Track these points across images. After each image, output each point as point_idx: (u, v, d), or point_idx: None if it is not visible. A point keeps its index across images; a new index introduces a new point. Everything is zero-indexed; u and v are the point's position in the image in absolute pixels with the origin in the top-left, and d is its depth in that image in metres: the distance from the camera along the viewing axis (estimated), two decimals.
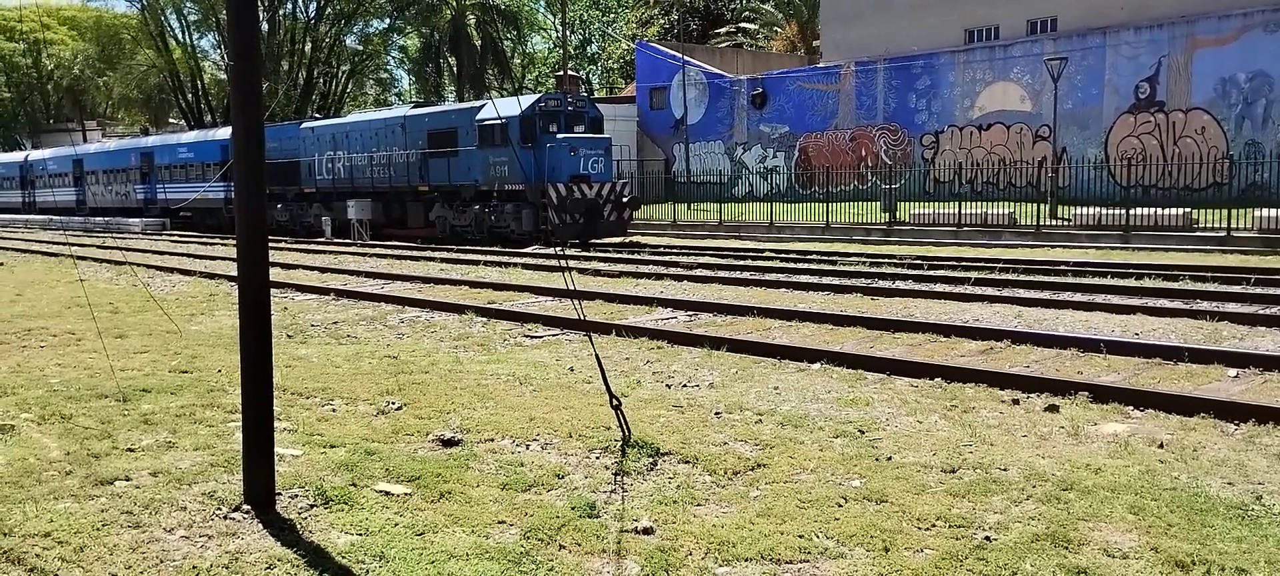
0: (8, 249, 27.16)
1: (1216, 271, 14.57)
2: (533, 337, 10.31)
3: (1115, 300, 11.96)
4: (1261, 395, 6.96)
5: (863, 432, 6.08)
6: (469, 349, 9.71)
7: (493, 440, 5.97)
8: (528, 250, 22.16)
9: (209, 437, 5.97)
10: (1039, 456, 5.56)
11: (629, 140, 40.30)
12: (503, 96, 45.61)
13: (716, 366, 8.45)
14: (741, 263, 18.35)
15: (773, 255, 19.91)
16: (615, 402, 5.76)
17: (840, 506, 4.77)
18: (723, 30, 58.44)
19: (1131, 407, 6.62)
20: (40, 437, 5.99)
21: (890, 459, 5.53)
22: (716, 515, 4.71)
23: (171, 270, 19.26)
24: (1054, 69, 25.83)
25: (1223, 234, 19.97)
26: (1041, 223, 23.01)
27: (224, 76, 56.07)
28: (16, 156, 52.88)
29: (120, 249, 23.84)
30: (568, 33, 55.30)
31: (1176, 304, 11.53)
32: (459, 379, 7.87)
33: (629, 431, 5.76)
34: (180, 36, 57.12)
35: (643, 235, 27.52)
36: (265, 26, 51.01)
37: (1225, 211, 20.41)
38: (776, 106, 37.77)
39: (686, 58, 40.64)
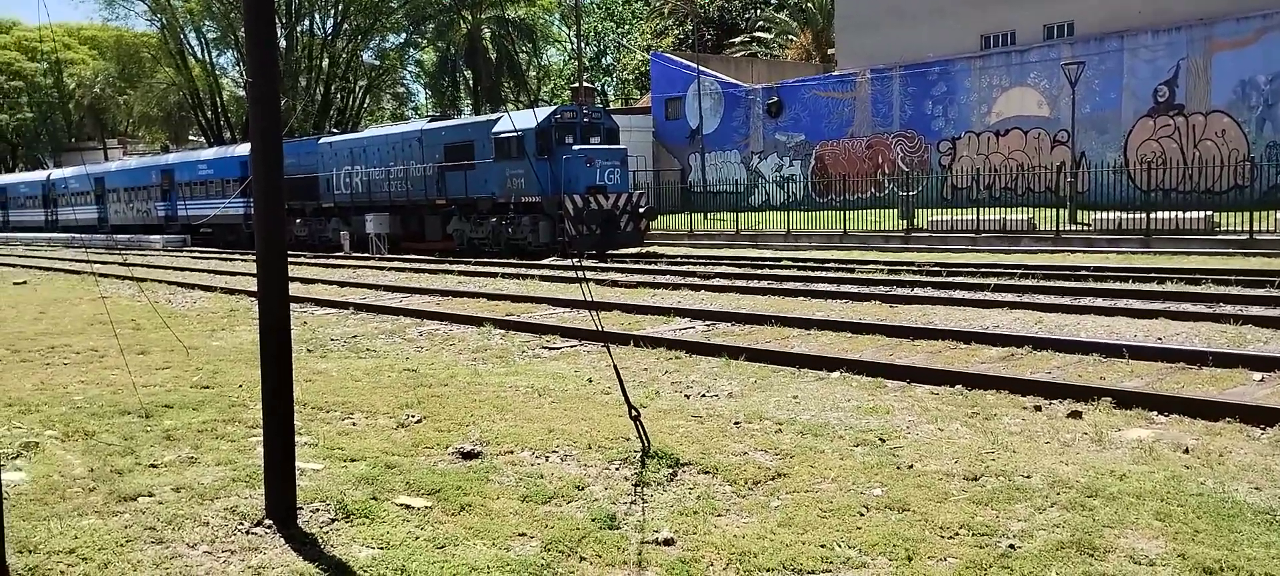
0: (31, 267, 27.44)
1: (1239, 274, 14.43)
2: (551, 349, 10.32)
3: (1137, 305, 11.86)
4: None
5: (883, 441, 6.05)
6: (487, 361, 9.72)
7: (512, 452, 5.97)
8: (545, 262, 22.20)
9: (231, 453, 6.00)
10: (1062, 463, 5.51)
11: (645, 151, 40.35)
12: (518, 109, 45.77)
13: (735, 376, 8.43)
14: (758, 271, 18.31)
15: (790, 264, 19.86)
16: (634, 413, 5.75)
17: (862, 515, 4.74)
18: (737, 40, 58.47)
19: (1156, 413, 6.55)
20: (64, 455, 6.03)
21: (911, 467, 5.49)
22: (737, 525, 4.69)
23: (192, 286, 19.39)
24: (1071, 73, 25.69)
25: (1245, 237, 19.79)
26: (1061, 228, 22.87)
27: (243, 93, 56.53)
28: (39, 175, 53.50)
29: (141, 266, 24.03)
30: (583, 45, 55.47)
31: (1199, 308, 11.43)
32: (478, 391, 7.88)
33: (648, 442, 5.74)
34: (199, 54, 57.79)
35: (659, 245, 27.53)
36: (283, 43, 51.42)
37: (1247, 214, 20.22)
38: (792, 115, 37.73)
39: (701, 68, 40.69)
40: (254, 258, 4.73)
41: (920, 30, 35.54)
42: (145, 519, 4.81)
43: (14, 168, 73.52)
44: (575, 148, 24.10)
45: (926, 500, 4.92)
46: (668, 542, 4.47)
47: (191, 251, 34.35)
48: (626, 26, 70.21)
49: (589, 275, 17.99)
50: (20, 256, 33.81)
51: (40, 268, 27.09)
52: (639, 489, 5.24)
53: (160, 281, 20.45)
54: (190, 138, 64.84)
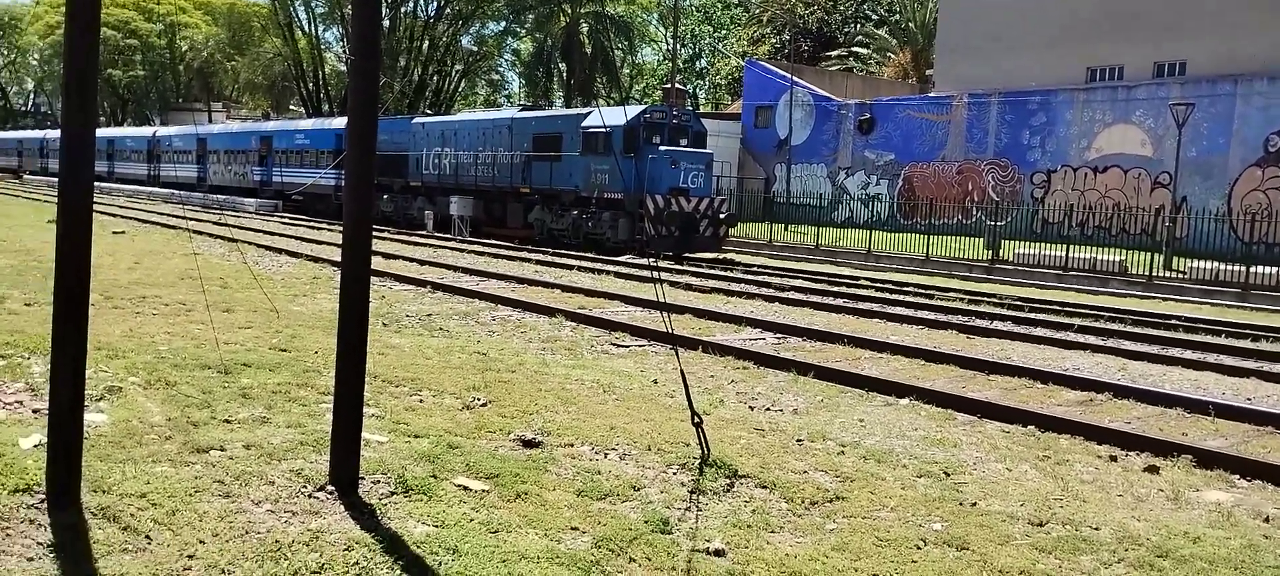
0: (131, 219, 28.54)
1: None
2: (619, 346, 10.35)
3: (1228, 361, 11.40)
4: None
5: (948, 475, 5.93)
6: (556, 352, 9.80)
7: (572, 445, 6.01)
8: (621, 259, 22.27)
9: (301, 416, 6.15)
10: (1134, 518, 5.33)
11: (731, 157, 40.17)
12: (609, 105, 46.01)
13: (802, 392, 8.35)
14: (835, 289, 18.10)
15: (868, 283, 19.59)
16: (696, 420, 5.73)
17: (919, 549, 4.66)
18: (834, 53, 57.85)
19: (1238, 476, 6.30)
20: (145, 402, 6.25)
21: (975, 504, 5.37)
22: (790, 544, 4.64)
23: (280, 251, 19.95)
24: (1179, 114, 24.81)
25: None
26: (1154, 273, 22.12)
27: (344, 68, 58.02)
28: (146, 131, 55.57)
29: (234, 226, 24.80)
30: (678, 46, 55.52)
31: None
32: (544, 381, 7.95)
33: (708, 450, 5.72)
34: (306, 27, 59.40)
35: (737, 253, 27.40)
36: (387, 23, 52.57)
37: None
38: (883, 133, 37.21)
39: (795, 78, 40.36)
40: (340, 229, 4.84)
41: (1023, 59, 34.68)
42: (215, 471, 4.97)
43: (123, 122, 76.53)
44: (661, 148, 24.14)
45: (987, 541, 4.80)
46: (718, 553, 4.44)
47: (282, 217, 35.33)
48: (723, 31, 70.06)
49: (664, 276, 17.99)
50: (122, 207, 35.20)
51: (139, 220, 28.16)
52: (694, 496, 5.23)
53: (250, 243, 21.07)
54: (291, 107, 66.74)
